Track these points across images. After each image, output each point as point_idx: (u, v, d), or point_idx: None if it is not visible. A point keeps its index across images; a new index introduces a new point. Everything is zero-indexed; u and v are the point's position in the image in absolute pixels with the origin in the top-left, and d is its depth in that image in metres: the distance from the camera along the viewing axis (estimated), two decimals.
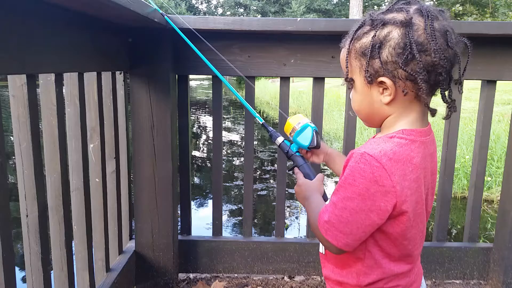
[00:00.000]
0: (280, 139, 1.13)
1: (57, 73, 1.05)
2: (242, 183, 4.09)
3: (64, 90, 1.18)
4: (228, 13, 33.05)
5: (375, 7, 25.07)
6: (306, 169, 1.05)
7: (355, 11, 14.81)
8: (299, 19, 1.50)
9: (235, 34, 1.55)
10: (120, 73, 1.53)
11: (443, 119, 0.83)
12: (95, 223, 1.36)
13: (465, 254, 1.74)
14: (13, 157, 0.99)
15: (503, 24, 1.53)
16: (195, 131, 8.52)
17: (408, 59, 0.73)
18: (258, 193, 4.31)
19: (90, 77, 1.32)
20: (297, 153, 1.09)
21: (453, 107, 0.79)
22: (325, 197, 0.96)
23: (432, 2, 24.70)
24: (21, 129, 0.93)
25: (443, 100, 0.78)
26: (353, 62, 0.82)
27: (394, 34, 0.75)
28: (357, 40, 0.80)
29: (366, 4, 25.05)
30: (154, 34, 1.49)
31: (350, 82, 0.85)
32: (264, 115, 10.20)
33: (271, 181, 4.69)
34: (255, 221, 3.65)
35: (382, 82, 0.77)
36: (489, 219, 3.47)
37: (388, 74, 0.76)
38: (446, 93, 0.77)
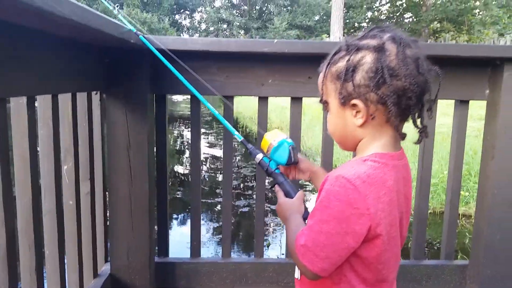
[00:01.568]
0: (259, 156, 1.12)
1: (29, 96, 1.03)
2: None
3: (37, 112, 1.16)
4: (212, 28, 33.29)
5: (355, 24, 25.61)
6: (287, 187, 1.04)
7: (336, 28, 15.11)
8: (275, 40, 1.52)
9: (214, 55, 1.56)
10: (96, 93, 1.51)
11: (414, 143, 0.85)
12: (68, 246, 1.33)
13: (442, 272, 1.76)
14: None
15: (474, 46, 1.58)
16: (178, 147, 8.47)
17: (380, 83, 0.76)
18: (241, 209, 4.30)
19: (64, 98, 1.30)
20: (276, 170, 1.08)
21: (424, 132, 0.82)
22: (306, 215, 0.96)
23: (411, 19, 25.35)
24: None
25: (414, 125, 0.80)
26: (329, 85, 0.84)
27: (367, 58, 0.78)
28: (333, 64, 0.83)
29: (347, 21, 25.56)
30: (131, 54, 1.49)
31: (324, 105, 0.88)
32: (247, 130, 10.22)
33: (254, 197, 4.68)
34: (238, 238, 3.62)
35: (354, 105, 0.79)
36: (467, 234, 3.52)
37: (361, 97, 0.78)
38: (418, 119, 0.80)
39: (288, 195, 1.02)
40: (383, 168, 0.78)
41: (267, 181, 1.74)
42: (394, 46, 0.77)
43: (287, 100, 1.72)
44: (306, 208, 0.98)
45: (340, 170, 0.78)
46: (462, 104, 1.71)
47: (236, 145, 8.02)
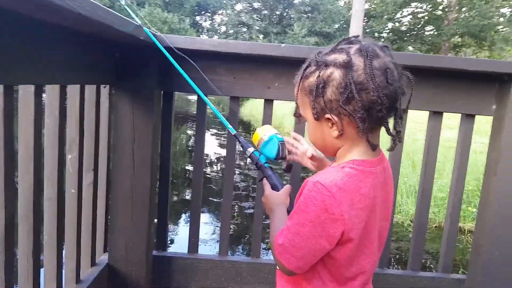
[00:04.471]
0: (250, 150, 1.16)
1: (37, 85, 1.07)
2: None
3: (45, 101, 1.20)
4: (231, 31, 33.48)
5: (375, 33, 25.48)
6: (274, 180, 1.07)
7: None
8: (283, 45, 1.54)
9: (222, 56, 1.59)
10: (105, 87, 1.55)
11: (388, 150, 0.87)
12: (68, 234, 1.36)
13: (439, 285, 1.75)
14: None
15: (481, 61, 1.58)
16: (190, 145, 8.54)
17: (349, 97, 0.78)
18: (246, 211, 4.32)
19: (73, 89, 1.34)
20: (265, 164, 1.11)
21: (397, 138, 0.83)
22: (290, 208, 0.98)
23: (432, 32, 25.13)
24: None
25: (387, 133, 0.82)
26: (304, 98, 0.87)
27: (336, 75, 0.79)
28: (305, 79, 0.86)
29: (367, 30, 25.46)
30: (141, 51, 1.52)
31: (298, 118, 0.90)
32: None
33: None
34: (240, 239, 3.64)
35: (329, 118, 0.81)
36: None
37: (333, 112, 0.80)
38: (391, 126, 0.82)
39: (274, 188, 1.05)
40: (359, 175, 0.80)
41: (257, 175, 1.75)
42: (361, 60, 0.78)
43: None
44: (291, 201, 1.01)
45: (318, 176, 0.81)
46: (468, 118, 1.71)
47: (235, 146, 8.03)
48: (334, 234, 0.77)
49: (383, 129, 0.85)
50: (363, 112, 0.77)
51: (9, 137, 0.96)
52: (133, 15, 1.37)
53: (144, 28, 1.35)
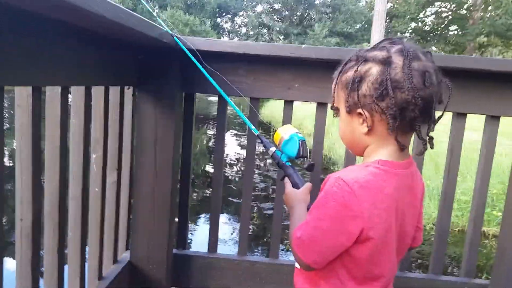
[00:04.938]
0: (272, 149, 1.18)
1: (63, 86, 1.10)
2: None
3: (71, 102, 1.24)
4: (252, 33, 33.56)
5: (398, 33, 25.13)
6: (295, 179, 1.08)
7: (377, 37, 14.90)
8: (303, 46, 1.55)
9: (242, 57, 1.60)
10: (129, 88, 1.59)
11: (416, 154, 0.86)
12: (91, 231, 1.40)
13: None
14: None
15: (506, 61, 1.55)
16: (211, 146, 8.60)
17: (383, 94, 0.78)
18: (265, 211, 4.32)
19: (98, 91, 1.37)
20: (287, 163, 1.13)
21: (430, 144, 0.83)
22: (311, 205, 0.99)
23: (456, 32, 24.63)
24: (23, 137, 0.99)
25: (418, 137, 0.81)
26: (340, 92, 0.88)
27: (373, 70, 0.80)
28: (343, 73, 0.86)
29: (389, 30, 25.14)
30: (164, 53, 1.55)
31: (335, 111, 0.90)
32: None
33: None
34: (259, 240, 3.65)
35: (360, 114, 0.81)
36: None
37: (366, 107, 0.80)
38: (423, 130, 0.81)
39: (295, 186, 1.06)
40: (383, 176, 0.80)
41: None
42: (400, 59, 0.79)
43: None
44: (312, 199, 1.01)
45: (341, 172, 0.81)
46: (492, 119, 1.67)
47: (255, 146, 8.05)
48: (352, 231, 0.77)
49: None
50: (396, 110, 0.77)
51: (37, 137, 1.00)
52: (159, 19, 1.40)
53: (169, 31, 1.38)
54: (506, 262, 1.64)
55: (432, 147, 0.84)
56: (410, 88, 0.76)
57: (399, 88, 0.77)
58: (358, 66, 0.82)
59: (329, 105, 1.70)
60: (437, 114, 0.84)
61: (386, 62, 0.78)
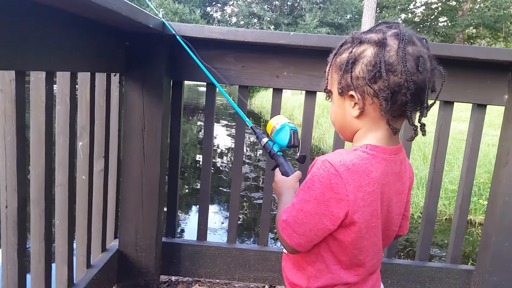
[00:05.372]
0: (265, 140, 1.20)
1: (48, 71, 1.08)
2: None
3: (56, 88, 1.22)
4: (242, 22, 33.31)
5: None
6: (285, 167, 1.10)
7: (367, 28, 14.88)
8: (292, 33, 1.54)
9: (230, 44, 1.59)
10: (115, 75, 1.57)
11: (407, 140, 0.86)
12: (78, 219, 1.39)
13: (446, 275, 1.75)
14: None
15: (493, 50, 1.56)
16: (200, 136, 8.57)
17: (376, 76, 0.77)
18: (255, 201, 4.34)
19: (84, 77, 1.36)
20: (278, 153, 1.15)
21: (422, 130, 0.83)
22: None
23: (445, 23, 24.73)
24: (7, 122, 0.97)
25: (409, 123, 0.81)
26: (333, 75, 0.88)
27: (368, 52, 0.80)
28: (338, 55, 0.86)
29: (379, 21, 25.09)
30: (151, 39, 1.53)
31: (328, 94, 0.90)
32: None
33: None
34: (248, 229, 3.66)
35: (352, 96, 0.81)
36: None
37: (358, 89, 0.80)
38: (416, 115, 0.81)
39: (285, 174, 1.08)
40: (370, 160, 0.80)
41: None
42: (395, 42, 0.78)
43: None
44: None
45: (328, 155, 0.81)
46: (479, 108, 1.69)
47: (254, 139, 8.07)
48: (337, 214, 0.77)
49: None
50: (388, 92, 0.77)
51: (21, 123, 0.98)
52: (150, 4, 1.38)
53: (159, 15, 1.36)
54: (490, 248, 1.67)
55: (424, 134, 0.84)
56: (403, 71, 0.76)
57: (392, 71, 0.76)
58: (353, 48, 0.81)
59: (318, 94, 1.72)
60: (429, 102, 0.84)
61: (381, 45, 0.78)
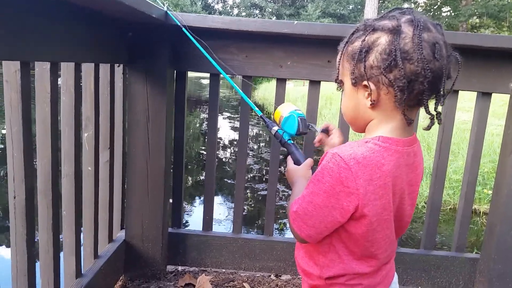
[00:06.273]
0: (275, 128, 1.18)
1: (53, 62, 1.08)
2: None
3: (61, 79, 1.22)
4: (244, 13, 33.14)
5: None
6: (297, 155, 1.09)
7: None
8: (295, 22, 1.53)
9: (233, 34, 1.58)
10: (119, 66, 1.57)
11: (424, 129, 0.84)
12: (85, 210, 1.40)
13: (452, 264, 1.75)
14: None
15: (498, 37, 1.54)
16: (203, 129, 8.57)
17: (392, 65, 0.75)
18: (260, 192, 4.35)
19: (87, 68, 1.36)
20: (289, 141, 1.13)
21: (438, 119, 0.81)
22: None
23: (448, 13, 24.52)
24: (13, 113, 0.97)
25: (426, 111, 0.79)
26: (345, 64, 0.85)
27: (382, 40, 0.77)
28: (350, 44, 0.83)
29: (382, 11, 24.90)
30: (154, 30, 1.53)
31: (339, 84, 0.89)
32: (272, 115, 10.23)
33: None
34: (253, 220, 3.68)
35: (366, 86, 0.79)
36: None
37: (373, 79, 0.78)
38: (430, 104, 0.79)
39: (297, 163, 1.06)
40: (382, 152, 0.78)
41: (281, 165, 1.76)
42: (410, 29, 0.75)
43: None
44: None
45: (340, 148, 0.79)
46: (484, 96, 1.68)
47: (260, 130, 8.06)
48: (347, 208, 0.77)
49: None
50: (404, 82, 0.74)
51: (27, 113, 0.98)
52: None
53: (161, 4, 1.35)
54: (495, 237, 1.67)
55: (440, 123, 0.83)
56: (419, 59, 0.73)
57: (408, 59, 0.74)
58: (366, 36, 0.78)
59: (322, 83, 1.72)
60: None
61: (395, 32, 0.75)
